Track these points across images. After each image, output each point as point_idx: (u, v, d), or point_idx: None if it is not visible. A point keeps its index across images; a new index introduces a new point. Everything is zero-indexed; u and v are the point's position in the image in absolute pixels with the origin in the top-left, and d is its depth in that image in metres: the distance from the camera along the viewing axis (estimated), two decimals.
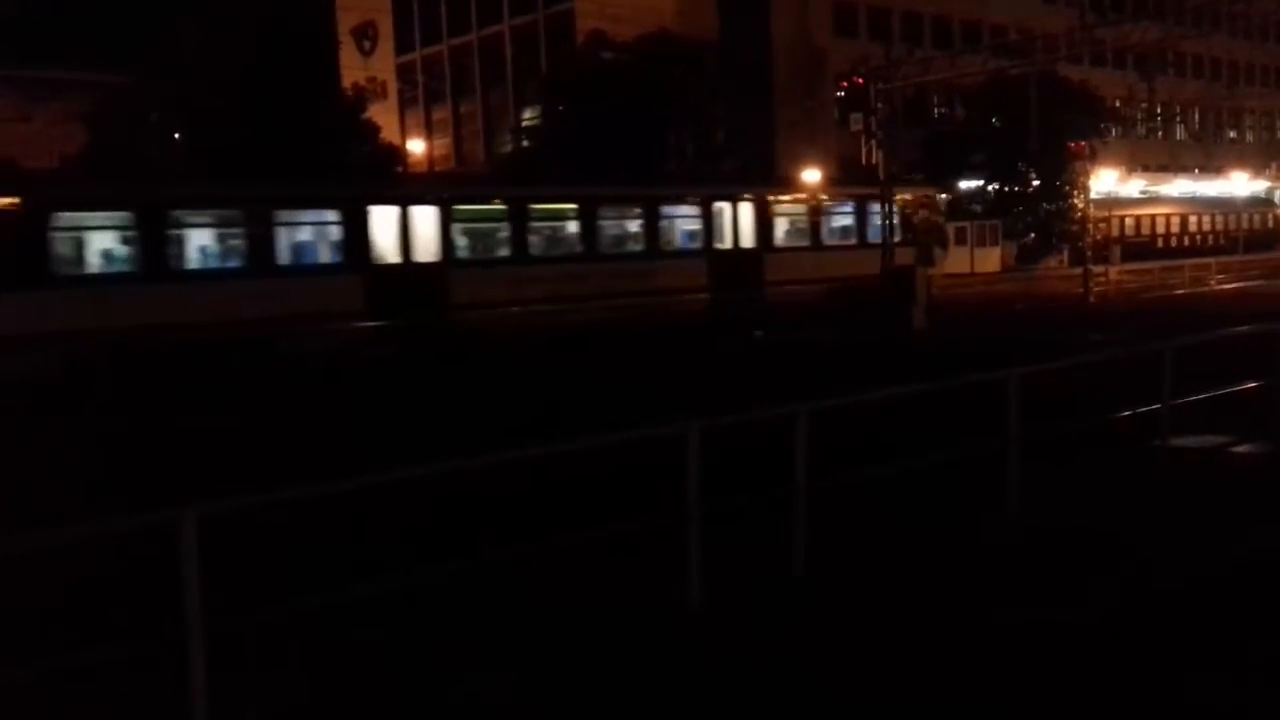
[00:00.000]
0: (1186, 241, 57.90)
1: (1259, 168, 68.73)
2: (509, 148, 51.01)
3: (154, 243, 18.30)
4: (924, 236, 29.11)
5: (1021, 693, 5.15)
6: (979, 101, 50.02)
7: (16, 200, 17.30)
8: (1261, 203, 65.52)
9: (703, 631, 5.92)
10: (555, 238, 23.48)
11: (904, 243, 27.71)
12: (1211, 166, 70.58)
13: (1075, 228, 45.94)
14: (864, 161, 38.40)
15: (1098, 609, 6.21)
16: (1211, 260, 41.13)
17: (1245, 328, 12.94)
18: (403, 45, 65.38)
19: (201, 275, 18.87)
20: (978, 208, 50.31)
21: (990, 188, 50.52)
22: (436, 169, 62.24)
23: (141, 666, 5.12)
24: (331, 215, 20.28)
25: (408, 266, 20.66)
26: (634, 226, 24.25)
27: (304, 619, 5.64)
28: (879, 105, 39.68)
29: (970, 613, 6.15)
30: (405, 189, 21.87)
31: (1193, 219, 60.61)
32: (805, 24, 55.03)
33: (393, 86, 63.58)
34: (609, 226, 23.96)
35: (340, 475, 5.30)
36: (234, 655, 4.98)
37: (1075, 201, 47.62)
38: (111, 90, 40.20)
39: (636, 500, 7.88)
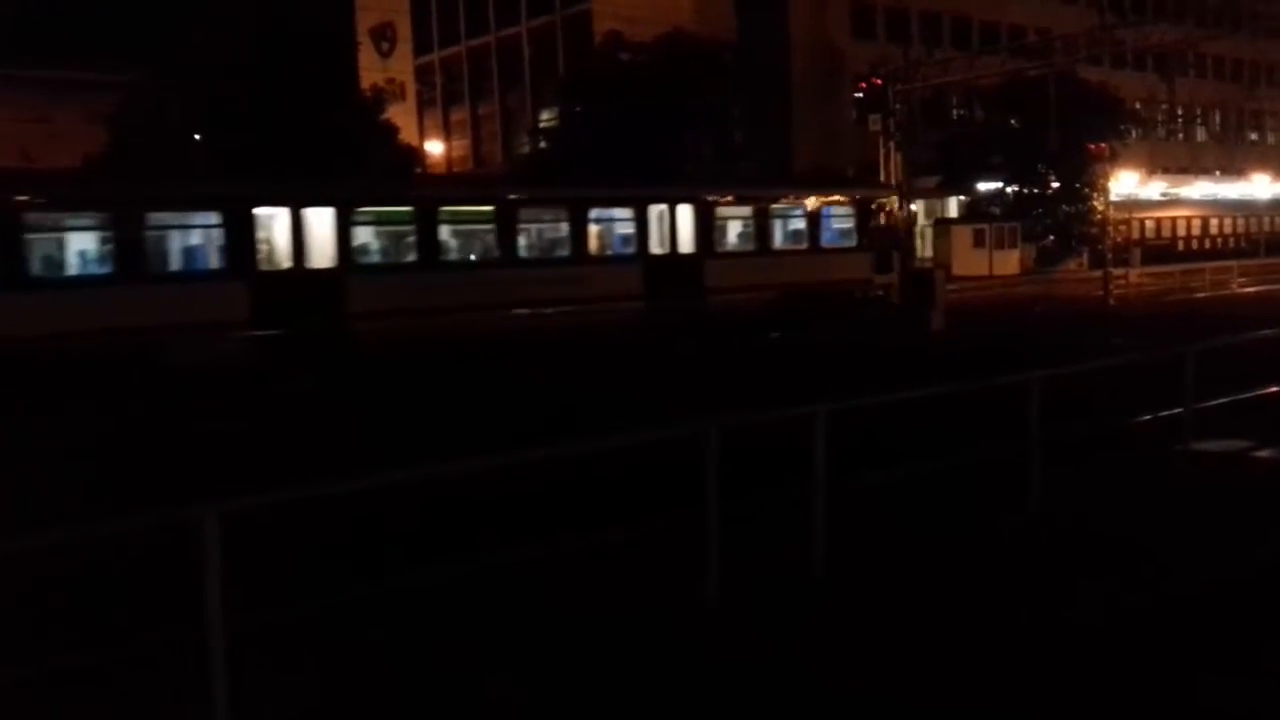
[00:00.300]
0: (1207, 244, 57.54)
1: None
2: (526, 149, 51.10)
3: (11, 248, 16.98)
4: (881, 241, 27.41)
5: (1034, 695, 5.13)
6: (997, 103, 49.83)
7: None
8: None
9: (719, 630, 5.91)
10: (470, 242, 22.17)
11: (860, 247, 26.43)
12: (1233, 168, 70.12)
13: (1095, 230, 45.71)
14: (881, 162, 38.36)
15: (1115, 611, 6.17)
16: (1233, 263, 40.86)
17: (1268, 331, 12.85)
18: (421, 46, 65.56)
19: (67, 283, 17.65)
20: (996, 210, 50.12)
21: (1009, 189, 50.32)
22: (455, 171, 62.44)
23: (147, 665, 5.17)
24: (213, 218, 18.91)
25: (299, 272, 19.31)
26: (559, 230, 22.86)
27: (313, 620, 5.68)
28: (897, 106, 39.69)
29: (986, 614, 6.13)
30: (299, 188, 20.19)
31: (1214, 221, 60.23)
32: (823, 24, 54.95)
33: (411, 88, 63.79)
34: (530, 230, 22.66)
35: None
36: (244, 655, 5.00)
37: (1095, 204, 47.39)
38: (132, 91, 40.43)
39: (648, 501, 7.89)
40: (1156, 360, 10.70)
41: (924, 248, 53.87)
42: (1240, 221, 61.08)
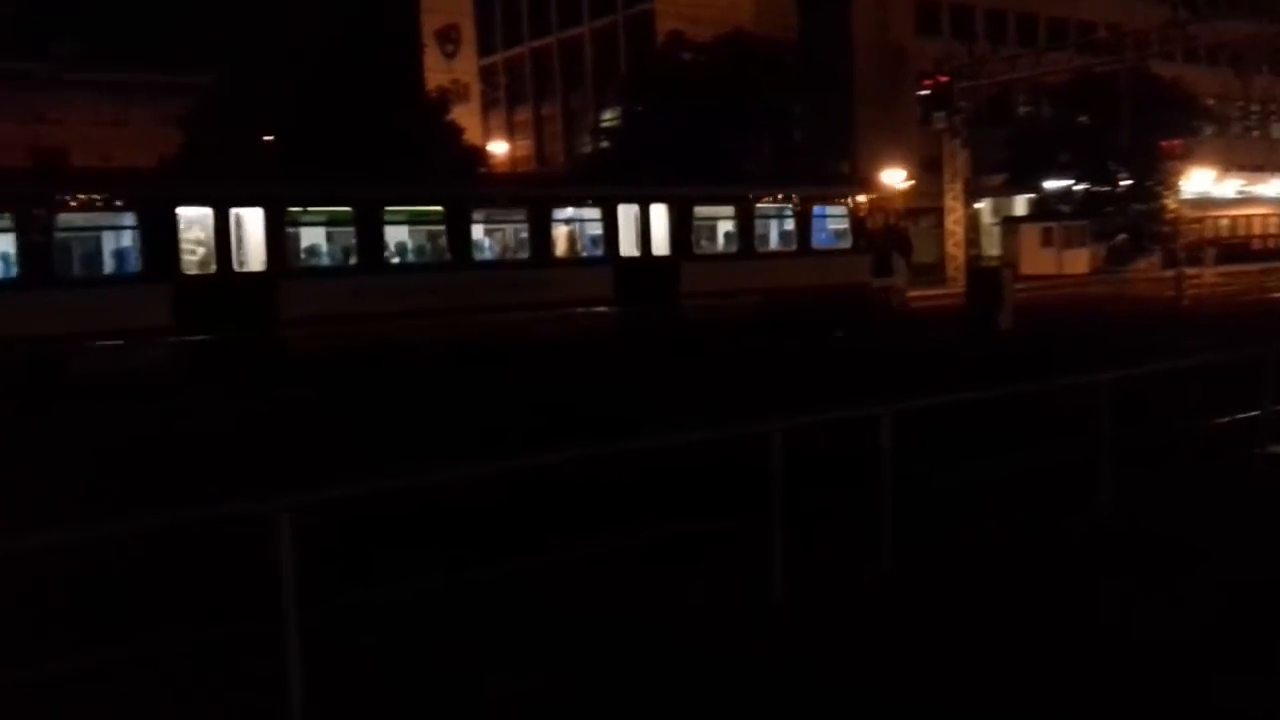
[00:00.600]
0: None
1: None
2: (588, 149, 51.34)
3: None
4: (881, 243, 25.88)
5: (1099, 696, 5.06)
6: (1065, 99, 49.00)
7: None
8: None
9: (785, 628, 5.89)
10: (418, 244, 21.09)
11: (856, 250, 24.96)
12: None
13: (1167, 229, 44.77)
14: (945, 160, 37.93)
15: (1183, 614, 6.06)
16: None
17: None
18: (485, 48, 66.14)
19: None
20: (1065, 208, 49.30)
21: (1077, 187, 49.47)
22: (519, 171, 62.89)
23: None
24: (130, 218, 17.96)
25: (225, 275, 18.36)
26: (518, 231, 21.67)
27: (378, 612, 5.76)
28: (962, 104, 39.26)
29: (1050, 614, 6.06)
30: (226, 187, 19.28)
31: None
32: (886, 22, 54.43)
33: (475, 89, 64.38)
34: (486, 231, 21.52)
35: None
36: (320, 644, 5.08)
37: (1167, 202, 46.41)
38: (204, 93, 41.34)
39: (695, 504, 7.89)
40: (1232, 362, 10.47)
41: (990, 246, 53.26)
42: None
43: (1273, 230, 57.53)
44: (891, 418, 6.52)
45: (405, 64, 44.47)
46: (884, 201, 27.30)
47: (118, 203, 18.03)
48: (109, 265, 18.08)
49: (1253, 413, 9.59)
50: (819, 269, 24.02)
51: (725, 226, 23.94)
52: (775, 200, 24.83)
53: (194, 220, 18.37)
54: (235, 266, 18.47)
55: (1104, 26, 52.34)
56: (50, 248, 17.00)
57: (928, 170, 45.29)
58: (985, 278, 26.00)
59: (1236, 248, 51.14)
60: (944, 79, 37.53)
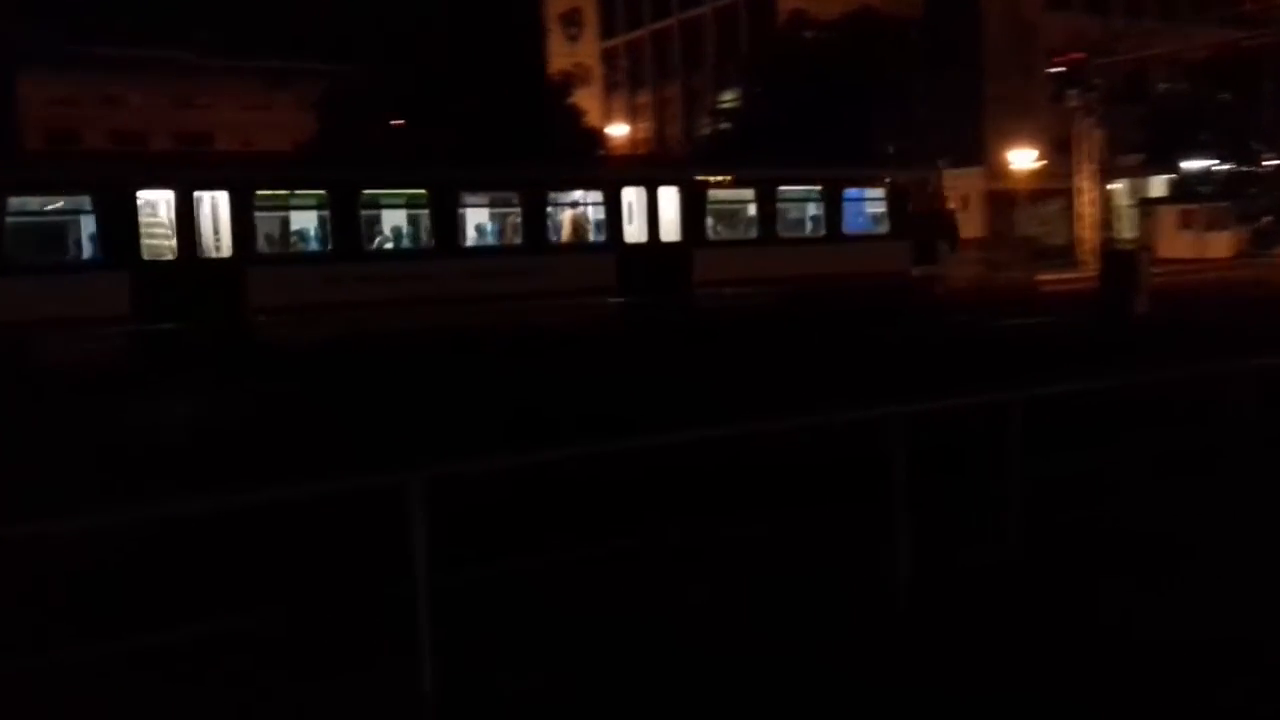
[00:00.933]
0: None
1: None
2: (707, 130, 51.19)
3: None
4: (924, 228, 24.05)
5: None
6: (1206, 76, 46.81)
7: None
8: None
9: (911, 615, 5.84)
10: (399, 230, 20.08)
11: (894, 235, 23.42)
12: None
13: None
14: (1078, 140, 36.64)
15: None
16: None
17: None
18: (607, 31, 66.48)
19: None
20: (1205, 189, 47.19)
21: (1219, 168, 47.27)
22: (639, 153, 63.14)
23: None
24: (86, 202, 17.24)
25: (189, 262, 17.57)
26: (511, 217, 20.62)
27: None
28: (1097, 81, 37.86)
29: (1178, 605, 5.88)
30: (189, 170, 18.45)
31: None
32: None
33: (597, 72, 64.80)
34: (474, 216, 20.48)
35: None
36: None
37: None
38: (339, 79, 42.54)
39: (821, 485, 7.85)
40: None
41: (1125, 229, 51.32)
42: None
43: None
44: (1023, 403, 6.38)
45: (529, 48, 44.98)
46: (922, 183, 25.05)
47: (73, 187, 17.40)
48: (63, 251, 17.50)
49: None
50: (851, 256, 22.57)
51: (743, 211, 22.63)
52: (801, 182, 23.37)
53: (155, 205, 17.67)
54: (200, 252, 17.80)
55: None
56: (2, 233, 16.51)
57: (1058, 150, 43.86)
58: (1120, 261, 25.08)
59: None
60: (1077, 55, 36.23)
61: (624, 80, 66.74)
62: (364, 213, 19.19)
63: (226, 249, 18.01)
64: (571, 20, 63.29)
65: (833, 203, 23.02)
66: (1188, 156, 47.50)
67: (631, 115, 64.77)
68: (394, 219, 19.96)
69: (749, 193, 22.47)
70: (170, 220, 17.65)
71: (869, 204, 23.85)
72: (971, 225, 45.04)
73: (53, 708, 4.85)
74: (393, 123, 39.02)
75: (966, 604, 5.97)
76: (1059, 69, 37.58)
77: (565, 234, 21.14)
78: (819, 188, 23.09)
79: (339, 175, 19.36)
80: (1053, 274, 35.78)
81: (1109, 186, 41.93)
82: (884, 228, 23.59)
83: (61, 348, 16.08)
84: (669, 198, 21.40)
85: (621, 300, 20.53)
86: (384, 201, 19.91)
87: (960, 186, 46.17)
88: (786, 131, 36.67)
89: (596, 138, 49.84)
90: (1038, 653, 5.37)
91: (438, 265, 19.19)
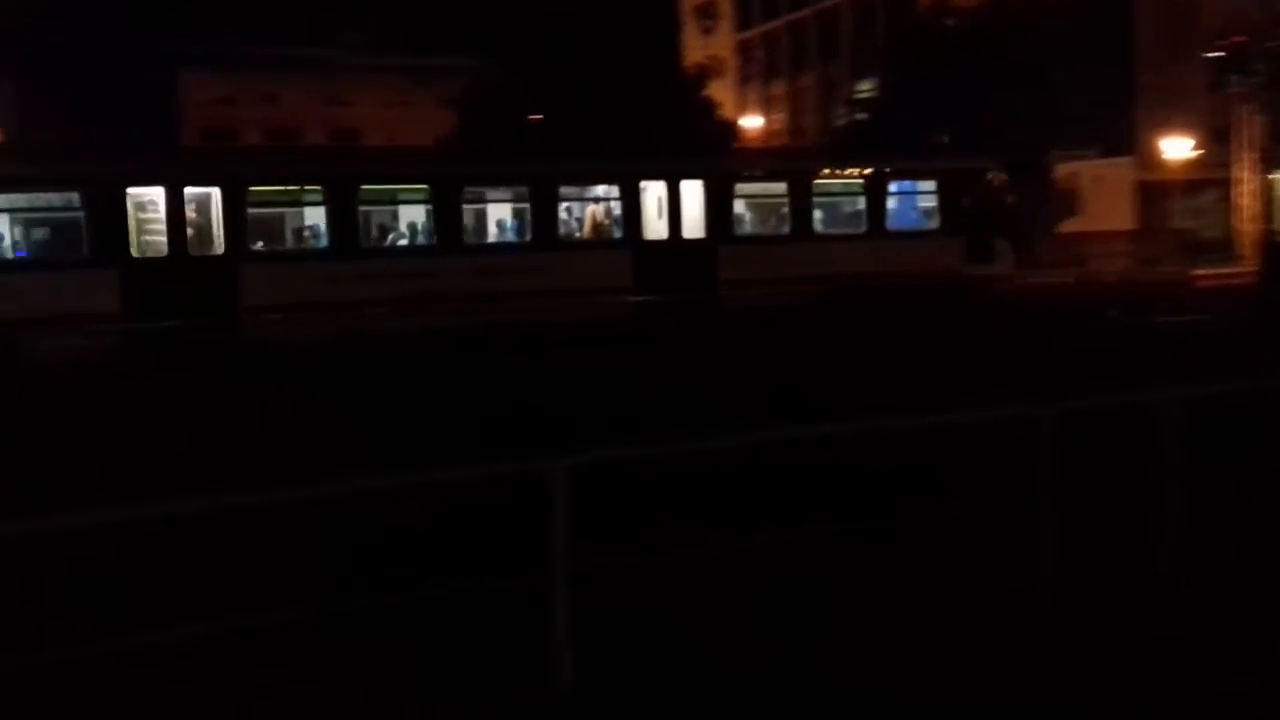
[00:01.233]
0: None
1: None
2: (844, 121, 50.50)
3: None
4: (982, 224, 22.24)
5: None
6: None
7: None
8: None
9: (1050, 624, 5.69)
10: (400, 226, 19.41)
11: (945, 231, 21.77)
12: None
13: None
14: (1238, 127, 34.83)
15: None
16: None
17: None
18: (742, 22, 66.25)
19: None
20: None
21: None
22: (773, 144, 62.72)
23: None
24: (76, 199, 16.99)
25: (181, 260, 17.16)
26: (519, 212, 19.72)
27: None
28: (1258, 66, 35.92)
29: None
30: (180, 166, 18.17)
31: None
32: None
33: (732, 63, 64.60)
34: (480, 212, 19.71)
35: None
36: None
37: None
38: (478, 75, 43.48)
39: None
40: None
41: None
42: None
43: None
44: (1181, 406, 6.10)
45: (664, 41, 45.15)
46: (982, 176, 23.22)
47: (62, 184, 17.17)
48: (53, 249, 17.37)
49: None
50: (897, 253, 21.09)
51: (774, 205, 21.40)
52: (839, 175, 21.95)
53: (143, 202, 17.43)
54: (192, 250, 17.46)
55: None
56: None
57: (1215, 138, 41.80)
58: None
59: None
60: (1238, 39, 34.47)
61: (758, 72, 66.37)
62: (362, 209, 18.63)
63: (218, 247, 17.67)
64: (706, 12, 63.22)
65: (876, 196, 21.62)
66: None
67: (765, 107, 64.37)
68: (393, 215, 19.43)
69: (780, 186, 21.25)
70: (159, 219, 17.42)
71: (918, 198, 22.53)
72: (1120, 217, 43.33)
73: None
74: (530, 117, 39.69)
75: (1112, 609, 5.78)
76: (1219, 54, 35.81)
77: (576, 230, 20.28)
78: (860, 180, 21.71)
79: (336, 170, 18.89)
80: (1208, 269, 34.16)
81: (1270, 176, 39.79)
82: (934, 223, 22.20)
83: (51, 345, 15.96)
84: (692, 192, 20.30)
85: (639, 300, 19.59)
86: (383, 197, 19.31)
87: (1108, 177, 44.46)
88: (925, 121, 35.89)
89: (731, 130, 49.72)
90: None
91: (441, 263, 18.54)
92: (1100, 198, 43.95)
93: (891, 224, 21.83)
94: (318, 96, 63.84)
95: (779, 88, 65.49)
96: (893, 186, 22.05)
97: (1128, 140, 43.89)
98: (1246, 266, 32.23)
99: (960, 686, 5.00)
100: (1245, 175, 38.47)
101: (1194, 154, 41.67)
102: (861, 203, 21.60)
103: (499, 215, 20.02)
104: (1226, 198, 40.97)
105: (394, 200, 19.50)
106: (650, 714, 4.85)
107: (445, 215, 18.89)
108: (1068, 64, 42.45)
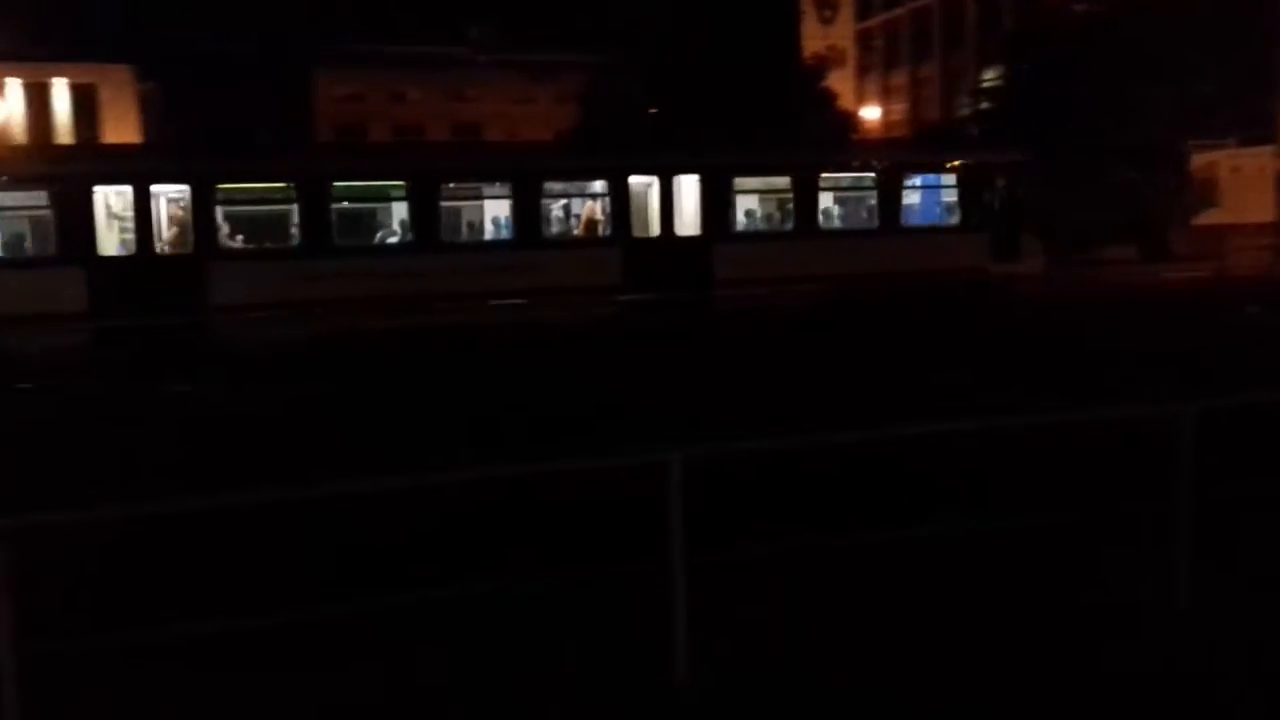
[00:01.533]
0: None
1: None
2: (967, 111, 49.30)
3: None
4: (1006, 220, 21.08)
5: None
6: None
7: None
8: None
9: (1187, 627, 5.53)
10: (375, 224, 18.86)
11: (967, 227, 20.66)
12: None
13: None
14: None
15: None
16: None
17: None
18: (862, 11, 65.25)
19: None
20: None
21: None
22: (892, 135, 61.70)
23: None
24: (41, 198, 16.85)
25: (148, 259, 17.07)
26: (500, 209, 19.09)
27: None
28: None
29: None
30: (147, 163, 17.98)
31: None
32: None
33: (851, 53, 63.70)
34: (459, 210, 19.17)
35: None
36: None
37: None
38: (600, 70, 43.82)
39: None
40: None
41: None
42: None
43: None
44: None
45: (784, 32, 44.80)
46: (1003, 168, 21.81)
47: (27, 181, 17.12)
48: (15, 247, 17.27)
49: None
50: (912, 250, 20.05)
51: (776, 200, 20.40)
52: (849, 168, 20.99)
53: (108, 200, 17.35)
54: (158, 248, 17.38)
55: None
56: None
57: None
58: None
59: None
60: None
61: (878, 61, 65.30)
62: (335, 206, 18.23)
63: (186, 245, 17.57)
64: (827, 2, 62.45)
65: (889, 191, 20.55)
66: None
67: (884, 97, 63.31)
68: (369, 213, 18.98)
69: (783, 180, 20.22)
70: (126, 216, 17.41)
71: (937, 192, 21.30)
72: (1260, 208, 41.38)
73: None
74: (648, 111, 39.85)
75: (1250, 612, 5.60)
76: None
77: (560, 227, 19.63)
78: (872, 174, 20.67)
79: (307, 167, 18.54)
80: None
81: None
82: (954, 219, 21.01)
83: (18, 344, 15.86)
84: (685, 186, 19.59)
85: (628, 299, 18.85)
86: (358, 194, 18.83)
87: (1246, 166, 42.51)
88: (1053, 110, 34.87)
89: (850, 122, 49.05)
90: None
91: (419, 261, 18.09)
92: (1238, 188, 42.07)
93: (907, 220, 20.89)
94: (441, 93, 65.32)
95: (899, 78, 64.34)
96: (909, 180, 21.04)
97: (1268, 128, 41.89)
98: None
99: (1096, 689, 4.93)
100: None
101: None
102: (873, 198, 20.63)
103: (480, 212, 19.51)
104: None
105: (369, 197, 19.01)
106: (765, 708, 4.86)
107: (424, 212, 18.40)
108: (1204, 48, 40.72)
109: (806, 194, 20.06)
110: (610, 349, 16.55)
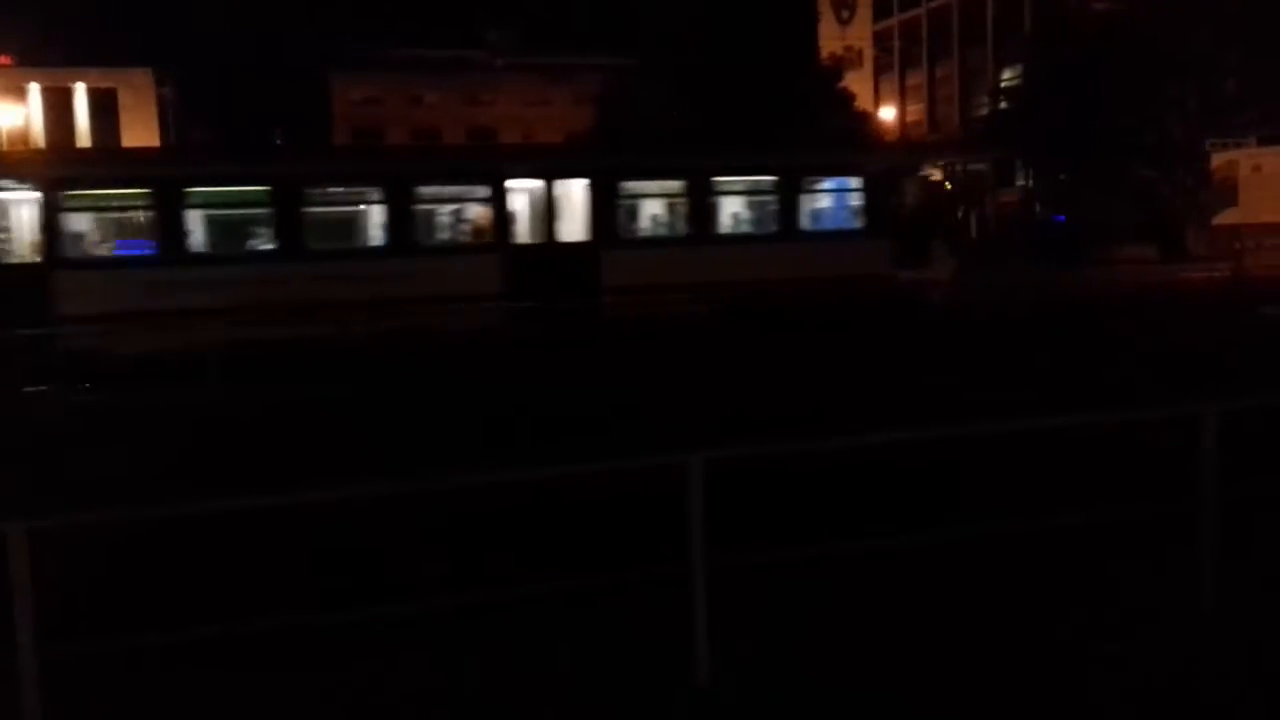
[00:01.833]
0: None
1: None
2: (985, 110, 49.19)
3: None
4: (916, 225, 20.39)
5: None
6: None
7: None
8: None
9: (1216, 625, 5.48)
10: (235, 230, 18.08)
11: (871, 232, 19.89)
12: None
13: None
14: None
15: None
16: None
17: None
18: (880, 11, 65.08)
19: None
20: None
21: None
22: (909, 136, 61.52)
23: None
24: None
25: None
26: (370, 214, 18.38)
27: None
28: None
29: None
30: None
31: None
32: None
33: (869, 54, 63.56)
34: (325, 215, 18.43)
35: None
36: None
37: None
38: (616, 73, 43.87)
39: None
40: None
41: None
42: None
43: None
44: None
45: (801, 33, 44.75)
46: (918, 173, 21.19)
47: None
48: None
49: None
50: (813, 257, 19.34)
51: (667, 205, 19.81)
52: (744, 172, 20.21)
53: None
54: (2, 258, 16.76)
55: None
56: None
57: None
58: None
59: None
60: None
61: (894, 61, 65.16)
62: (191, 213, 17.46)
63: (33, 252, 16.91)
64: (844, 3, 62.34)
65: (789, 195, 19.90)
66: None
67: (901, 98, 63.16)
68: (227, 219, 18.23)
69: (676, 184, 19.56)
70: None
71: (840, 196, 20.68)
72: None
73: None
74: (666, 113, 39.82)
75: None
76: None
77: (434, 233, 18.88)
78: (771, 178, 19.96)
79: (162, 171, 17.81)
80: None
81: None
82: (859, 224, 20.34)
83: None
84: (571, 191, 18.92)
85: (507, 307, 18.16)
86: (215, 200, 17.94)
87: (1267, 165, 42.18)
88: (1073, 109, 34.74)
89: (867, 121, 48.96)
90: None
91: (280, 269, 17.35)
92: (1259, 187, 41.73)
93: (807, 225, 20.23)
94: (458, 96, 65.61)
95: (916, 78, 64.19)
96: (809, 185, 20.41)
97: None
98: None
99: (1123, 690, 4.88)
100: None
101: None
102: (772, 202, 19.99)
103: (346, 217, 18.87)
104: None
105: (228, 203, 18.21)
106: (787, 710, 4.84)
107: (286, 218, 17.66)
108: (1224, 47, 40.46)
109: (701, 198, 19.49)
110: (482, 359, 15.90)
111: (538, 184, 18.74)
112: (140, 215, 17.54)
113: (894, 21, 64.94)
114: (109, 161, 19.74)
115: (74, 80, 55.98)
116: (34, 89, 55.63)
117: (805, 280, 18.98)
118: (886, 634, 5.53)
